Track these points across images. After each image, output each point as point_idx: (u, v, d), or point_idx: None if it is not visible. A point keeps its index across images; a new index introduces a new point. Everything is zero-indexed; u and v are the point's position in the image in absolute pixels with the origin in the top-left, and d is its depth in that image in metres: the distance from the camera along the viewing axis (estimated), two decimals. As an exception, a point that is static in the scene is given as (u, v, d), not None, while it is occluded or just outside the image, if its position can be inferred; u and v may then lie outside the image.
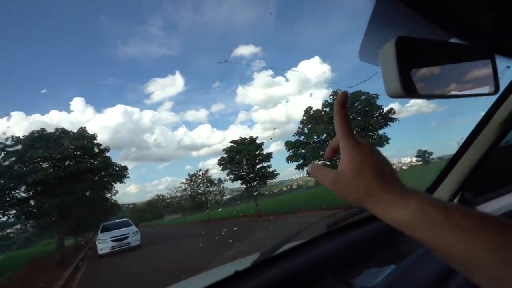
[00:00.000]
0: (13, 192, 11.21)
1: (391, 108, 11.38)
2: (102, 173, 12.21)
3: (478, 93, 0.50)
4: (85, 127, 12.49)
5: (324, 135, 12.23)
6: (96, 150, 12.32)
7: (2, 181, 10.67)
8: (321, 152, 11.89)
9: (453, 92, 0.44)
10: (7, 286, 8.52)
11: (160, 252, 10.28)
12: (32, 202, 11.66)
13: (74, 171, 10.98)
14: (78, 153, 11.97)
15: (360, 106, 11.47)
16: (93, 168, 11.55)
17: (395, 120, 11.38)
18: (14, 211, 10.96)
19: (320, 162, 12.65)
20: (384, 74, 0.38)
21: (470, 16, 0.37)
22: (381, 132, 11.64)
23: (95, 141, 12.59)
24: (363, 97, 11.45)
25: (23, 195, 11.47)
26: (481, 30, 0.38)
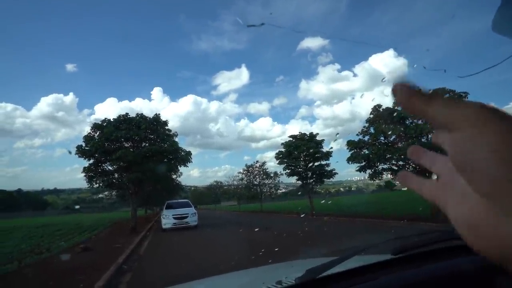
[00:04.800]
0: (103, 165, 13.34)
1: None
2: (170, 156, 13.49)
3: None
4: (159, 114, 13.95)
5: (393, 137, 10.97)
6: (166, 135, 13.66)
7: (97, 155, 12.75)
8: (387, 155, 10.72)
9: None
10: (94, 241, 10.28)
11: (212, 235, 10.95)
12: (116, 175, 13.69)
13: (148, 151, 12.44)
14: (152, 136, 13.50)
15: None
16: (162, 150, 12.85)
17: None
18: (102, 181, 13.06)
19: (385, 166, 11.46)
20: None
21: None
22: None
23: (166, 127, 13.98)
24: (447, 95, 9.80)
25: (110, 168, 13.56)
26: None
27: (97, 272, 4.94)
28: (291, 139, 18.16)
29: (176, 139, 14.19)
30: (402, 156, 10.42)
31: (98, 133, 12.86)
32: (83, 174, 12.88)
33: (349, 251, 0.86)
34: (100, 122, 13.22)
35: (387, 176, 12.16)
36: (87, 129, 14.23)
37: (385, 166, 11.42)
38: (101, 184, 13.22)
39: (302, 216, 17.16)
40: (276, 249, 6.00)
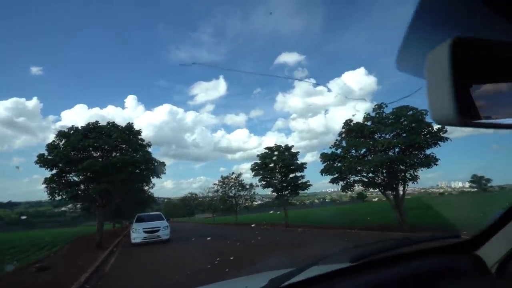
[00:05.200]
0: (68, 175, 12.47)
1: (443, 127, 10.32)
2: (142, 167, 12.98)
3: None
4: (132, 123, 13.46)
5: (363, 150, 11.51)
6: (139, 145, 13.17)
7: (60, 165, 11.92)
8: (358, 168, 11.19)
9: None
10: (53, 258, 9.45)
11: (185, 249, 10.56)
12: (82, 186, 12.84)
13: (118, 162, 11.86)
14: (124, 146, 12.94)
15: (406, 122, 10.58)
16: (134, 161, 12.34)
17: (446, 140, 10.28)
18: (66, 193, 12.15)
19: (356, 178, 11.93)
20: (430, 90, 0.25)
21: None
22: (428, 151, 10.59)
23: (139, 136, 13.50)
24: (410, 112, 10.55)
25: (75, 179, 12.71)
26: None
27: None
28: (266, 151, 18.35)
29: (150, 149, 13.74)
30: (372, 169, 10.93)
31: (63, 141, 12.08)
32: (44, 185, 11.93)
33: (309, 261, 0.90)
34: (66, 130, 12.46)
35: (359, 187, 12.66)
36: (51, 137, 13.32)
37: (356, 178, 11.88)
38: (64, 196, 12.30)
39: (275, 227, 17.17)
40: (251, 261, 5.94)
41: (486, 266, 0.98)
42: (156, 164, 13.53)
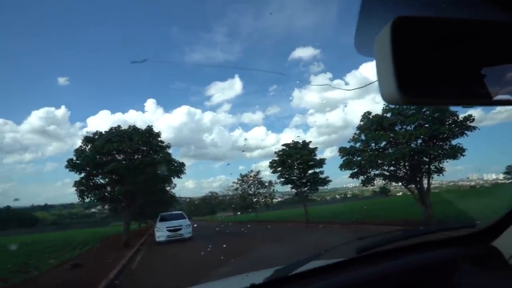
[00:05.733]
0: (95, 178, 13.16)
1: (470, 115, 9.74)
2: (163, 168, 13.41)
3: None
4: (152, 126, 13.94)
5: (383, 143, 11.14)
6: (159, 147, 13.61)
7: (88, 168, 12.60)
8: (379, 161, 10.86)
9: (480, 98, 0.27)
10: (85, 257, 10.03)
11: (206, 247, 10.80)
12: (108, 188, 13.50)
13: (140, 164, 12.34)
14: (145, 148, 13.42)
15: (428, 112, 10.10)
16: (155, 162, 12.77)
17: (474, 129, 9.69)
18: (94, 195, 12.85)
19: (377, 172, 11.58)
20: (378, 71, 0.25)
21: None
22: (454, 142, 10.05)
23: (159, 138, 13.95)
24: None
25: (102, 181, 13.38)
26: None
27: (87, 289, 4.83)
28: (284, 147, 18.27)
29: (169, 151, 14.15)
30: (393, 162, 10.57)
31: (89, 146, 12.74)
32: (74, 188, 12.67)
33: (319, 252, 0.91)
34: (91, 135, 13.12)
35: (380, 181, 12.28)
36: (79, 143, 14.11)
37: (376, 172, 11.54)
38: (92, 198, 13.01)
39: (295, 224, 17.07)
40: (269, 257, 5.97)
41: (504, 257, 0.94)
42: (175, 164, 13.92)
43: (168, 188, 18.81)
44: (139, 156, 13.27)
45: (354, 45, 0.33)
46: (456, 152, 9.81)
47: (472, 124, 9.66)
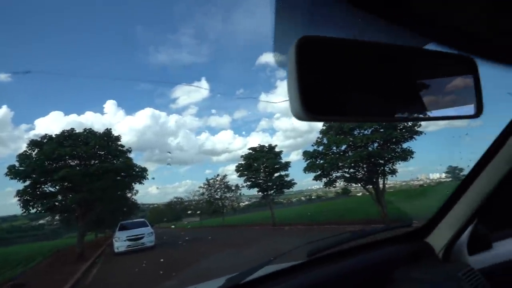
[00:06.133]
0: (42, 186, 11.92)
1: (416, 122, 10.78)
2: (123, 174, 12.65)
3: (448, 115, 0.36)
4: (110, 129, 13.08)
5: (344, 146, 11.82)
6: (118, 151, 12.81)
7: (34, 175, 11.38)
8: (340, 164, 11.47)
9: (381, 116, 0.31)
10: (30, 274, 9.00)
11: (171, 255, 10.38)
12: (59, 197, 12.31)
13: (98, 170, 11.48)
14: (102, 153, 12.54)
15: (383, 118, 10.96)
16: (115, 168, 11.99)
17: (421, 133, 10.75)
18: (41, 205, 11.62)
19: (338, 174, 12.22)
20: (288, 88, 0.26)
21: (446, 15, 0.27)
22: (405, 145, 11.04)
23: (119, 142, 13.14)
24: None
25: (51, 189, 12.17)
26: (463, 30, 0.28)
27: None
28: (250, 151, 18.40)
29: (131, 155, 13.40)
30: (352, 164, 11.24)
31: (36, 151, 11.54)
32: (17, 198, 11.34)
33: (271, 257, 0.93)
34: (39, 139, 11.91)
35: (341, 183, 12.97)
36: (24, 147, 12.72)
37: (338, 174, 12.17)
38: (40, 208, 11.76)
39: (261, 227, 17.23)
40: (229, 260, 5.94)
41: (435, 252, 1.05)
42: (137, 170, 13.22)
43: (129, 195, 17.77)
44: (96, 162, 12.35)
45: (273, 55, 0.35)
46: (407, 155, 10.77)
47: (419, 129, 10.71)
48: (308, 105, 0.24)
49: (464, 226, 1.01)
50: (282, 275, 0.88)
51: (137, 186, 14.71)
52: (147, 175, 13.76)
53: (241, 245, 10.56)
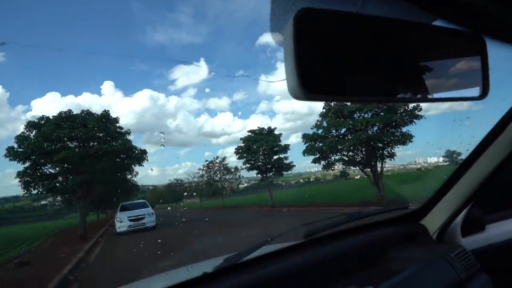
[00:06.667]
0: (42, 168, 11.99)
1: (417, 105, 10.69)
2: (122, 155, 12.69)
3: (437, 97, 0.34)
4: (108, 110, 12.96)
5: (343, 130, 11.79)
6: (117, 133, 12.77)
7: (34, 157, 11.41)
8: (339, 147, 11.50)
9: (382, 96, 0.29)
10: (34, 253, 9.26)
11: (171, 235, 10.65)
12: (60, 178, 12.42)
13: (97, 151, 11.51)
14: (101, 134, 12.50)
15: (383, 101, 10.86)
16: (114, 150, 12.01)
17: (421, 117, 10.70)
18: (42, 186, 11.74)
19: (337, 157, 12.29)
20: (285, 66, 0.24)
21: None
22: (404, 129, 11.02)
23: (117, 124, 13.07)
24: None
25: (52, 171, 12.26)
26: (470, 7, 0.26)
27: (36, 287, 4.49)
28: (250, 133, 18.39)
29: (129, 137, 13.37)
30: (351, 147, 11.27)
31: (34, 132, 11.49)
32: (18, 179, 11.44)
33: (269, 238, 0.94)
34: (36, 120, 11.82)
35: (339, 166, 13.08)
36: (21, 128, 12.64)
37: (336, 157, 12.23)
38: (41, 189, 11.89)
39: (260, 209, 17.59)
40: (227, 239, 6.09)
41: (429, 233, 1.06)
42: (136, 152, 13.25)
43: (129, 177, 17.95)
44: (95, 143, 12.34)
45: (271, 33, 0.32)
46: (406, 139, 10.78)
47: (419, 113, 10.64)
48: (305, 83, 0.23)
49: (459, 209, 1.02)
50: (279, 255, 0.89)
51: (136, 168, 14.84)
52: (147, 157, 13.82)
53: (240, 225, 10.81)
